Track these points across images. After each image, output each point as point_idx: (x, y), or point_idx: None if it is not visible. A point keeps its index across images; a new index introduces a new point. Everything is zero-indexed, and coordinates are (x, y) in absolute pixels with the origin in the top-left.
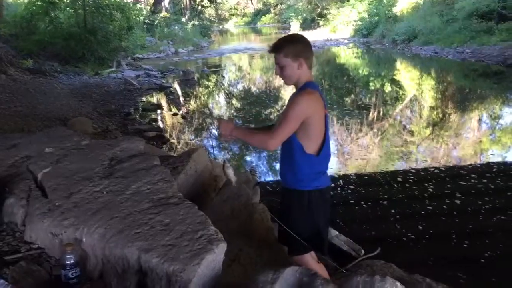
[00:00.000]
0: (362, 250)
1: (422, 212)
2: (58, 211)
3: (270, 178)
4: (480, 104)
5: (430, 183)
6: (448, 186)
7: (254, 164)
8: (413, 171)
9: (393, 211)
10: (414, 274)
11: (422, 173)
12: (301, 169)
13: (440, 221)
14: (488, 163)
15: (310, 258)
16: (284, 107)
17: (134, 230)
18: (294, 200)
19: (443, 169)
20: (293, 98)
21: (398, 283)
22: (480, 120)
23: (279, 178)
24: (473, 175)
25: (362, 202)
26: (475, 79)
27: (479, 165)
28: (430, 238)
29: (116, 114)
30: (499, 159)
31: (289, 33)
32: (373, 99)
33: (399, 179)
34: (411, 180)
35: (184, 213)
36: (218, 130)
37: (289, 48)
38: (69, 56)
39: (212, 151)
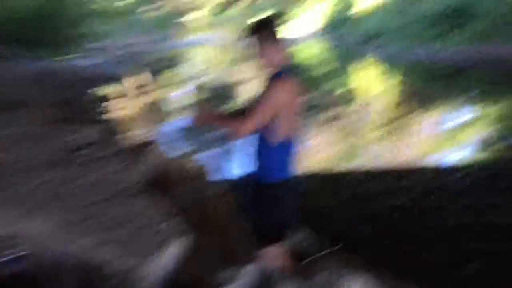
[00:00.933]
0: (325, 245)
1: (376, 210)
2: None
3: (235, 170)
4: (435, 105)
5: (375, 182)
6: (393, 185)
7: (220, 155)
8: (365, 170)
9: (353, 207)
10: (375, 269)
11: (370, 172)
12: (270, 159)
13: (396, 220)
14: (435, 164)
15: (279, 251)
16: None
17: (90, 221)
18: (266, 191)
19: (393, 168)
20: (269, 85)
21: (360, 277)
22: (437, 120)
23: (245, 170)
24: (418, 175)
25: (325, 197)
26: (429, 80)
27: (426, 165)
28: (386, 235)
29: (74, 102)
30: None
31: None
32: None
33: (350, 178)
34: (361, 178)
35: (146, 204)
36: (194, 115)
37: (265, 31)
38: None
39: (172, 142)
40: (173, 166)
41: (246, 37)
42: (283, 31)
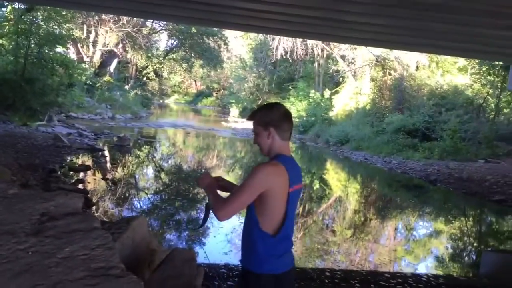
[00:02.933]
0: None
1: None
2: None
3: (215, 260)
4: (400, 214)
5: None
6: None
7: (199, 241)
8: (345, 271)
9: None
10: None
11: (346, 273)
12: (256, 248)
13: None
14: (413, 274)
15: None
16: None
17: None
18: (248, 283)
19: (364, 272)
20: (253, 168)
21: None
22: (399, 229)
23: (226, 260)
24: (394, 283)
25: None
26: (398, 189)
27: (399, 274)
28: None
29: (39, 169)
30: (413, 269)
31: (270, 102)
32: (302, 194)
33: (329, 280)
34: (337, 279)
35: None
36: (201, 175)
37: (261, 116)
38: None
39: (149, 223)
40: (157, 246)
41: (248, 120)
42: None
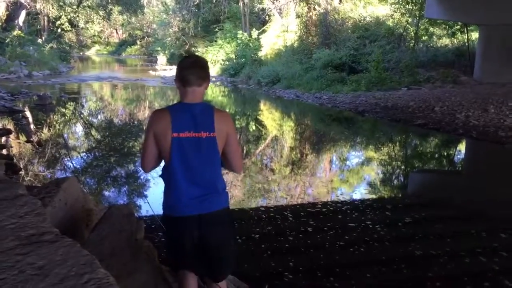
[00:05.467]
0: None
1: (288, 246)
2: None
3: (157, 211)
4: (334, 146)
5: (295, 219)
6: (311, 222)
7: (139, 195)
8: (280, 207)
9: (263, 246)
10: None
11: (287, 210)
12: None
13: (308, 256)
14: (350, 201)
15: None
16: None
17: None
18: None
19: (306, 207)
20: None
21: None
22: (333, 161)
23: (158, 211)
24: (332, 213)
25: (237, 237)
26: (330, 123)
27: (338, 203)
28: (304, 272)
29: None
30: (349, 197)
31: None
32: (239, 136)
33: (266, 215)
34: (278, 217)
35: (63, 252)
36: None
37: None
38: None
39: (84, 182)
40: (94, 205)
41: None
42: None
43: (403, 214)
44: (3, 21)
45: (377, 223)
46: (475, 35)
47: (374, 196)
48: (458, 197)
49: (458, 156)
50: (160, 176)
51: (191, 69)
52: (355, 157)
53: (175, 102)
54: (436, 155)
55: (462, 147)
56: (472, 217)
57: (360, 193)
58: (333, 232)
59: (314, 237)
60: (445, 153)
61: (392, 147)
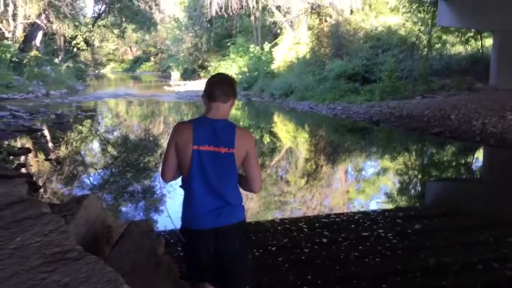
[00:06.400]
0: None
1: (305, 259)
2: None
3: (175, 225)
4: (349, 157)
5: (311, 232)
6: (326, 234)
7: (156, 210)
8: (295, 219)
9: (280, 258)
10: None
11: (302, 222)
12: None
13: (324, 268)
14: (364, 211)
15: None
16: None
17: None
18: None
19: (322, 218)
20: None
21: None
22: (349, 171)
23: (178, 226)
24: (346, 224)
25: (254, 250)
26: (344, 134)
27: (352, 214)
28: (322, 285)
29: None
30: (364, 207)
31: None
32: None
33: (282, 227)
34: (294, 229)
35: (88, 270)
36: None
37: None
38: None
39: (102, 199)
40: (114, 221)
41: None
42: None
43: (419, 223)
44: (21, 42)
45: (390, 233)
46: (489, 42)
47: (390, 206)
48: (476, 205)
49: (476, 164)
50: (180, 187)
51: (218, 85)
52: (370, 167)
53: (189, 117)
54: (454, 164)
55: (479, 155)
56: (492, 225)
57: (377, 203)
58: (347, 243)
59: (329, 248)
60: (463, 161)
61: (408, 157)
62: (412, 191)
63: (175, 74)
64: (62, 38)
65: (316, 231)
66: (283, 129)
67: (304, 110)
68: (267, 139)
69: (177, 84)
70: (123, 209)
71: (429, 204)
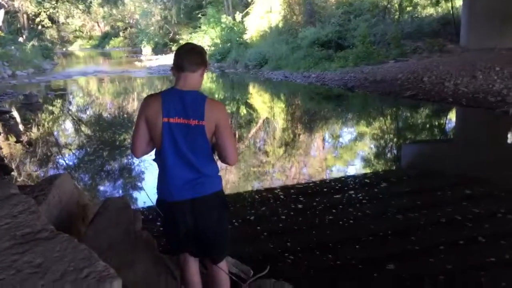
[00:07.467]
0: (251, 271)
1: (283, 226)
2: None
3: (147, 202)
4: (326, 124)
5: (288, 199)
6: (304, 201)
7: (134, 187)
8: (273, 188)
9: (259, 227)
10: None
11: (279, 190)
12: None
13: (302, 234)
14: (342, 177)
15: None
16: None
17: None
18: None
19: (299, 186)
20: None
21: None
22: (326, 138)
23: (153, 201)
24: (325, 190)
25: (234, 221)
26: (320, 101)
27: (326, 180)
28: (302, 251)
29: None
30: (341, 173)
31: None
32: (230, 121)
33: (259, 197)
34: (271, 197)
35: (60, 249)
36: None
37: None
38: None
39: (78, 179)
40: (89, 200)
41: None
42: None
43: (390, 184)
44: None
45: (365, 197)
46: (459, 2)
47: (366, 171)
48: (448, 165)
49: (449, 125)
50: (154, 160)
51: (186, 54)
52: (346, 133)
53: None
54: (427, 126)
55: (452, 115)
56: (462, 183)
57: (355, 168)
58: (321, 207)
59: (305, 214)
60: (436, 123)
61: (383, 121)
62: (388, 154)
63: (146, 49)
64: (25, 16)
65: (292, 197)
66: (259, 99)
67: (279, 80)
68: (243, 110)
69: (149, 59)
70: (100, 187)
71: (403, 166)
